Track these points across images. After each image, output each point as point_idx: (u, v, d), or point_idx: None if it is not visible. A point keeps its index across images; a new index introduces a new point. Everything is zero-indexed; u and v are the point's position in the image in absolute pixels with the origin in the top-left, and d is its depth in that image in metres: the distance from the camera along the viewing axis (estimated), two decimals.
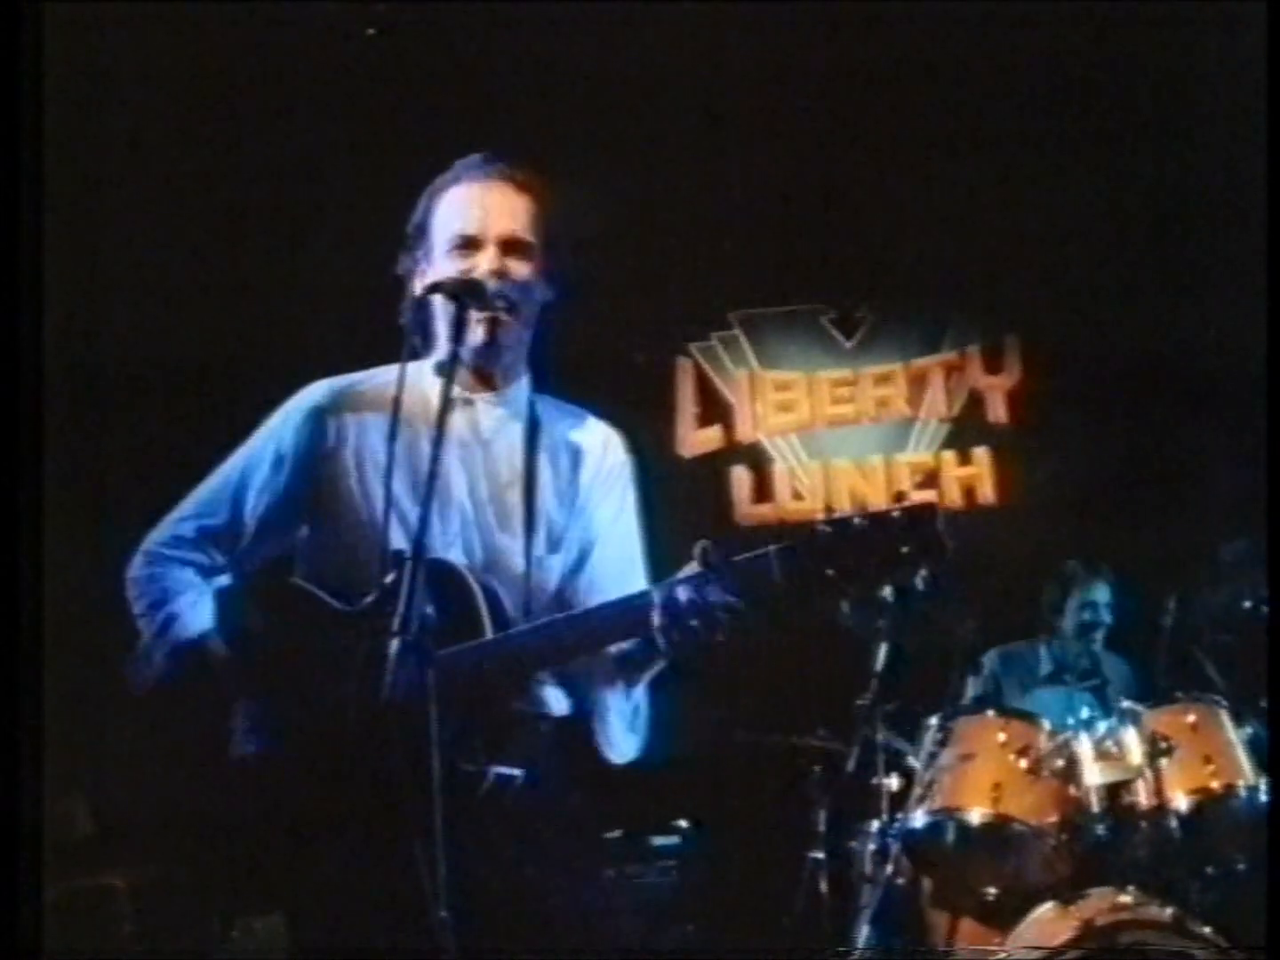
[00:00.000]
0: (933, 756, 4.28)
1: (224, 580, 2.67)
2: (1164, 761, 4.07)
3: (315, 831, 2.44)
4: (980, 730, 4.28)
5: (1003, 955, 3.96)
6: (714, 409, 7.00)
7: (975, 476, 6.80)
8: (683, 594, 2.33)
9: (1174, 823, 4.05)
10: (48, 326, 2.89)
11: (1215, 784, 4.05)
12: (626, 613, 2.39)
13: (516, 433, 2.68)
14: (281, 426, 2.71)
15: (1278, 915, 3.20)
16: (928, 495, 4.08)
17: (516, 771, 2.44)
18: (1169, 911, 3.82)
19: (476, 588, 2.48)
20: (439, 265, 2.64)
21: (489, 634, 2.44)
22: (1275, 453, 3.49)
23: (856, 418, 6.96)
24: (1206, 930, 3.74)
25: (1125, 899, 3.94)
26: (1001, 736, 4.22)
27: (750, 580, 2.31)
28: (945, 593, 4.05)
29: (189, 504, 2.71)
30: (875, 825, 4.34)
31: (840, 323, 7.04)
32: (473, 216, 2.64)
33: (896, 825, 4.22)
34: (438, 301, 2.60)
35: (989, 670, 5.26)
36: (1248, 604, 4.36)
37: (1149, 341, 6.44)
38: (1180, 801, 4.04)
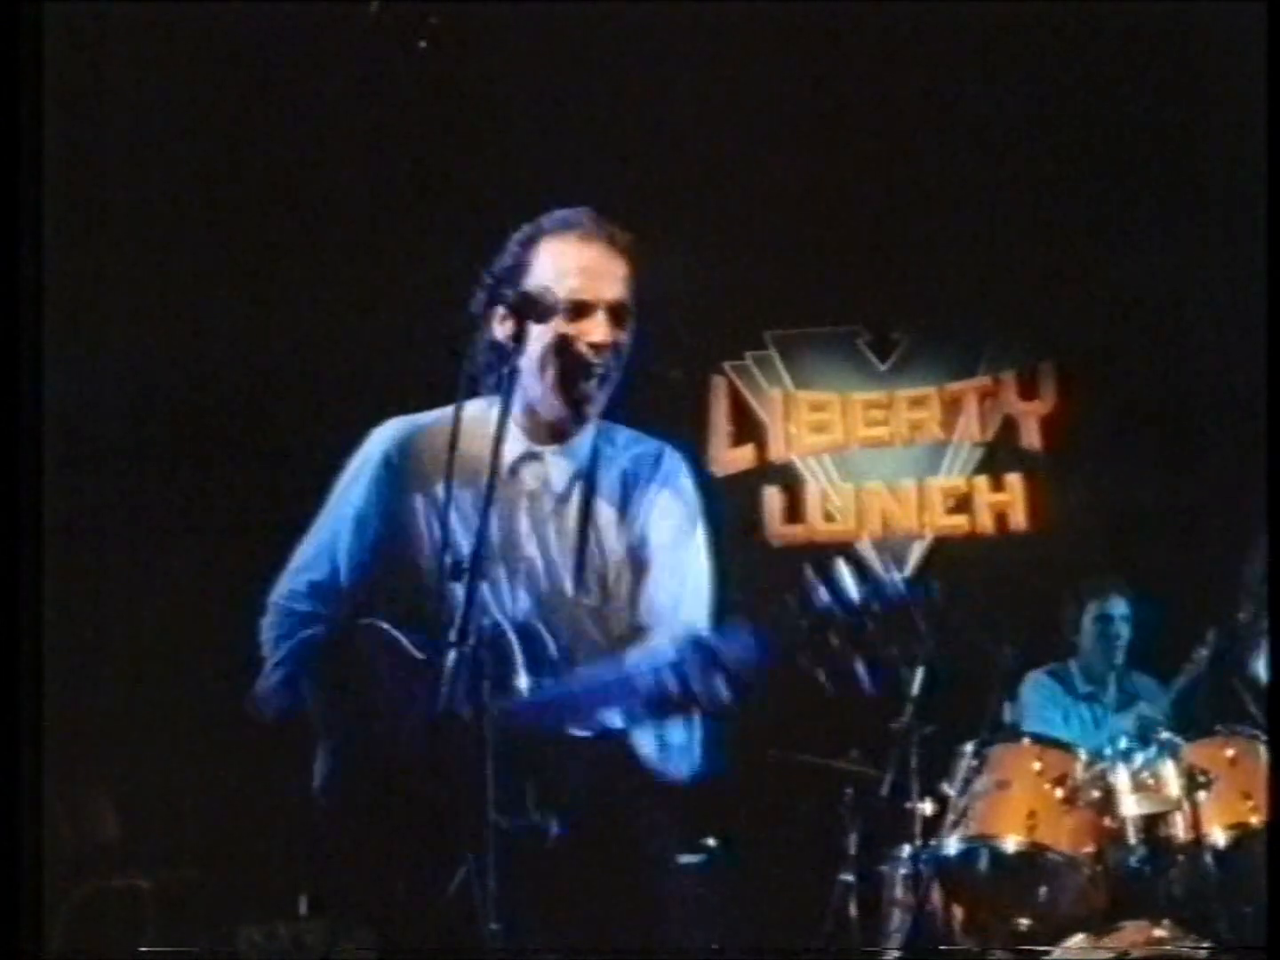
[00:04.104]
0: (967, 783, 4.25)
1: (323, 625, 2.73)
2: (1202, 795, 4.04)
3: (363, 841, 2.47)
4: (1016, 758, 4.25)
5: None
6: (747, 428, 6.99)
7: (1008, 503, 6.78)
8: (689, 665, 2.30)
9: (1210, 857, 4.01)
10: (47, 343, 2.92)
11: (1255, 819, 4.01)
12: (639, 676, 2.38)
13: (582, 481, 2.70)
14: (355, 482, 2.74)
15: (1278, 915, 3.18)
16: None
17: (553, 827, 2.44)
18: (1204, 947, 3.79)
19: (548, 638, 2.51)
20: (546, 326, 2.57)
21: (545, 685, 2.47)
22: (1275, 468, 3.47)
23: (890, 440, 6.94)
24: None
25: (1160, 932, 3.90)
26: (1037, 765, 4.20)
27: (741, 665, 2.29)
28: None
29: (298, 557, 2.78)
30: (907, 850, 4.31)
31: (875, 345, 7.04)
32: (582, 280, 2.59)
33: (929, 851, 4.20)
34: (533, 358, 2.58)
35: (1025, 696, 5.23)
36: None
37: (1184, 368, 6.43)
38: (1218, 836, 4.01)
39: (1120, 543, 6.24)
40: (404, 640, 2.55)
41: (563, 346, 2.58)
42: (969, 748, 4.34)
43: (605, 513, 2.69)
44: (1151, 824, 4.08)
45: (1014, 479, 6.80)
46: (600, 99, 6.13)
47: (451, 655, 2.30)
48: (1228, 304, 6.34)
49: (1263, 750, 4.13)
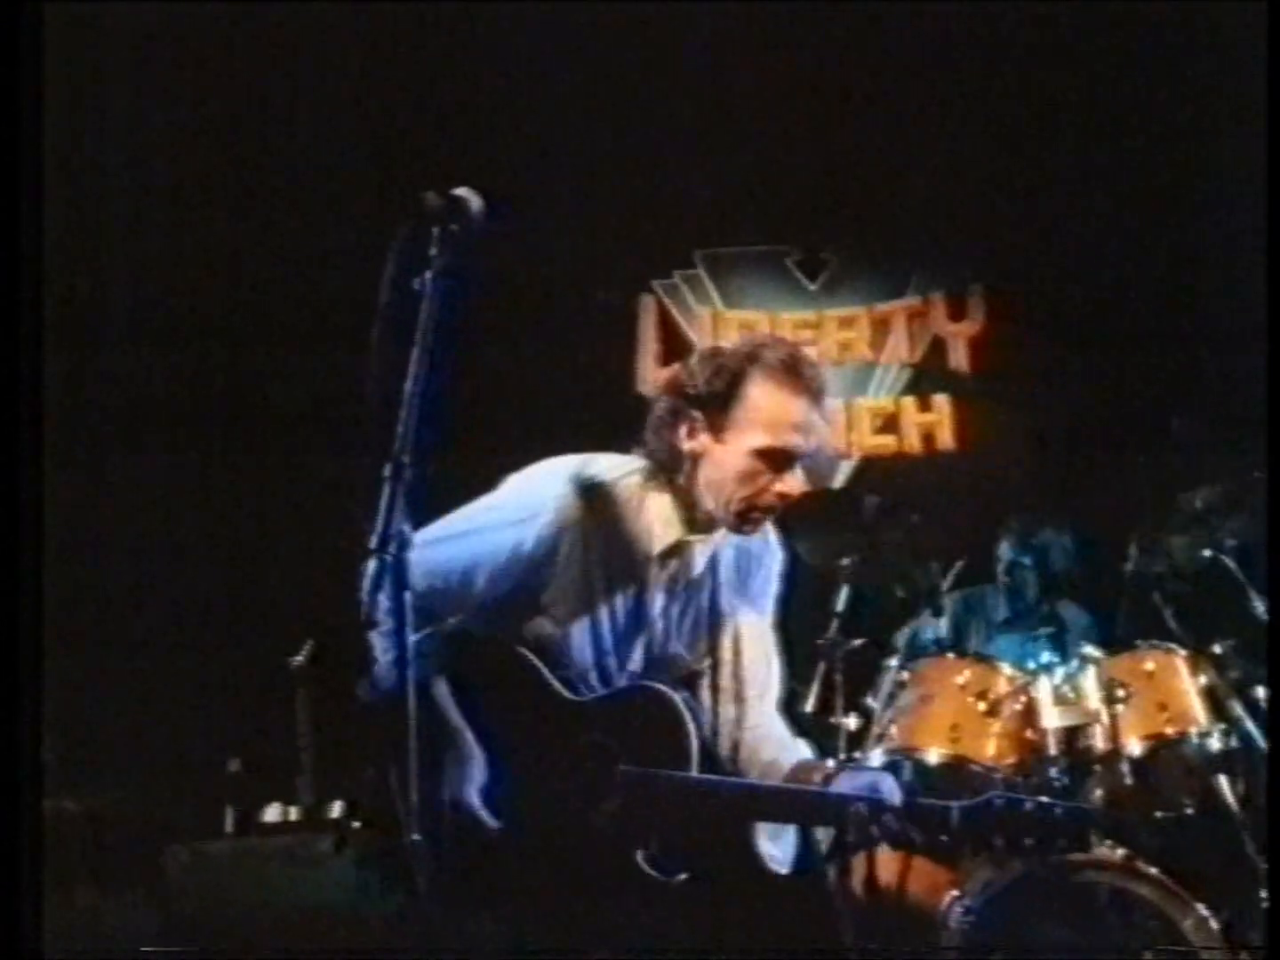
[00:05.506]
0: (892, 697, 4.30)
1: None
2: (1120, 707, 4.10)
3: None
4: (940, 672, 4.30)
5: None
6: (676, 347, 6.95)
7: (935, 423, 6.83)
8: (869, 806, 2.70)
9: (1126, 766, 4.09)
10: (46, 332, 2.91)
11: (1169, 730, 4.09)
12: (821, 803, 2.78)
13: (712, 565, 2.88)
14: (530, 520, 2.73)
15: (1278, 915, 3.24)
16: None
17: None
18: (1120, 852, 3.87)
19: (686, 712, 2.70)
20: (742, 464, 2.73)
21: (694, 755, 2.68)
22: (1275, 437, 3.52)
23: (818, 360, 6.95)
24: (1154, 871, 3.79)
25: None
26: (960, 679, 4.24)
27: (928, 821, 2.73)
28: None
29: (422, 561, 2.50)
30: (832, 764, 4.34)
31: (805, 264, 7.04)
32: (792, 436, 2.72)
33: (853, 764, 4.23)
34: (712, 471, 2.74)
35: (949, 614, 5.27)
36: (1207, 553, 4.38)
37: (1111, 291, 6.48)
38: (1134, 746, 4.08)
39: (1046, 463, 6.31)
40: (553, 680, 2.70)
41: (750, 477, 2.72)
42: (893, 663, 4.39)
43: (725, 594, 2.90)
44: (1072, 735, 4.14)
45: (941, 400, 6.84)
46: (532, 21, 6.07)
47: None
48: (1155, 226, 6.39)
49: (1181, 664, 4.19)
